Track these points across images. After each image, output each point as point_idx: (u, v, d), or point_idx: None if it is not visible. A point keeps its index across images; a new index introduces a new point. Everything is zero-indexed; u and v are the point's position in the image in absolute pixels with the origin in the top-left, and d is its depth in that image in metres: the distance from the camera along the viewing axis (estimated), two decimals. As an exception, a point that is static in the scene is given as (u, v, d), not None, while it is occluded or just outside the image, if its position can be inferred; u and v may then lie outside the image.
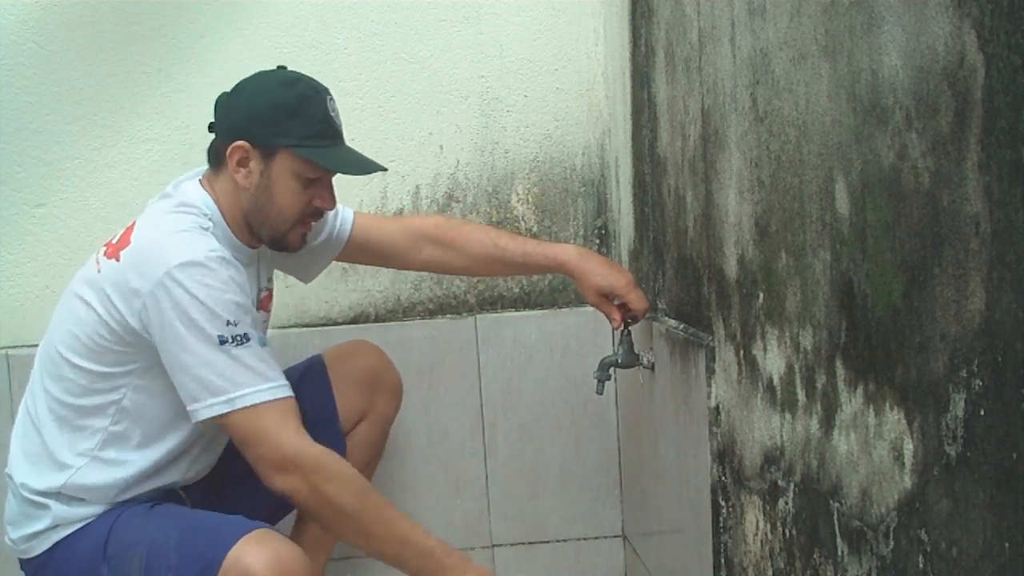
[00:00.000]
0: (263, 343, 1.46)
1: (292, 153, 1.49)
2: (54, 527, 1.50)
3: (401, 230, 1.78)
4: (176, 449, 1.53)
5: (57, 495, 1.49)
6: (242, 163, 1.50)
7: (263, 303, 1.65)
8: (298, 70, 1.58)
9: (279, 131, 1.48)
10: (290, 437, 1.41)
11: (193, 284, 1.39)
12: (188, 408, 1.42)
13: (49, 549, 1.50)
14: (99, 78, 2.06)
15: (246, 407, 1.40)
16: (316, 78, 1.56)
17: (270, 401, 1.41)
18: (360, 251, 1.78)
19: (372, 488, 1.46)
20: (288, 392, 1.44)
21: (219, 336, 1.39)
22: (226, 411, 1.40)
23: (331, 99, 1.54)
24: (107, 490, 1.50)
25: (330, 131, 1.52)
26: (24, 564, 1.55)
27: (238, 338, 1.40)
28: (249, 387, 1.40)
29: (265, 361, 1.43)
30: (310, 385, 1.77)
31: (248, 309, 1.46)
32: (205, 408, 1.41)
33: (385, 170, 1.61)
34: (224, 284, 1.41)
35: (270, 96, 1.50)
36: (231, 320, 1.40)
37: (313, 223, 1.59)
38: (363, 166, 1.57)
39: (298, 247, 1.59)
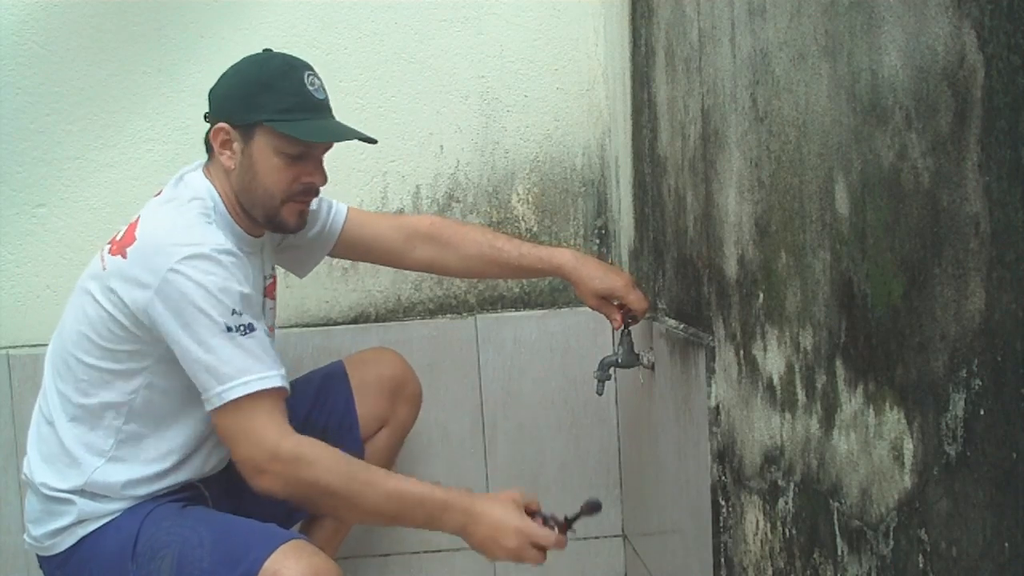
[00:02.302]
0: (266, 333, 1.46)
1: (268, 128, 1.48)
2: (80, 522, 1.50)
3: (395, 227, 1.78)
4: (189, 445, 1.54)
5: (80, 492, 1.50)
6: (225, 145, 1.51)
7: (268, 290, 1.65)
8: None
9: (253, 106, 1.48)
10: (273, 434, 1.39)
11: (200, 275, 1.39)
12: (203, 398, 1.42)
13: (74, 545, 1.50)
14: (100, 78, 2.06)
15: (247, 394, 1.38)
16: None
17: (270, 390, 1.40)
18: (353, 246, 1.78)
19: (352, 459, 1.44)
20: (285, 382, 1.43)
21: (227, 324, 1.39)
22: (229, 397, 1.38)
23: (311, 73, 1.52)
24: (128, 487, 1.50)
25: (307, 103, 1.50)
26: (44, 562, 1.55)
27: (243, 327, 1.40)
28: (254, 373, 1.39)
29: (269, 352, 1.43)
30: (331, 392, 1.78)
31: (253, 301, 1.47)
32: (215, 396, 1.40)
33: (372, 140, 1.57)
34: (230, 275, 1.41)
35: (245, 74, 1.52)
36: (236, 310, 1.40)
37: (308, 201, 1.56)
38: (340, 134, 1.54)
39: (296, 226, 1.57)
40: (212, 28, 2.07)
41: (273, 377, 1.41)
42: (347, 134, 1.54)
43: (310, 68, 1.53)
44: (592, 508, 1.49)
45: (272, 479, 1.39)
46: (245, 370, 1.39)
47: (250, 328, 1.41)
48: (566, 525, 1.47)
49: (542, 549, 1.43)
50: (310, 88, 1.50)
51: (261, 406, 1.40)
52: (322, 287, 2.08)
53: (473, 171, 2.13)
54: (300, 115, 1.49)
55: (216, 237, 1.45)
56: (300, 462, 1.39)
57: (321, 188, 1.58)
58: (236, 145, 1.50)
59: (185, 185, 1.54)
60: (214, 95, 1.54)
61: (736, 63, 1.18)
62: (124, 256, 1.45)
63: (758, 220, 1.14)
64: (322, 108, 1.53)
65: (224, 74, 1.54)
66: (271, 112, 1.47)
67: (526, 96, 2.13)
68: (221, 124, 1.50)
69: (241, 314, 1.40)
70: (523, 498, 1.46)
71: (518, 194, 2.15)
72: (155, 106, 2.07)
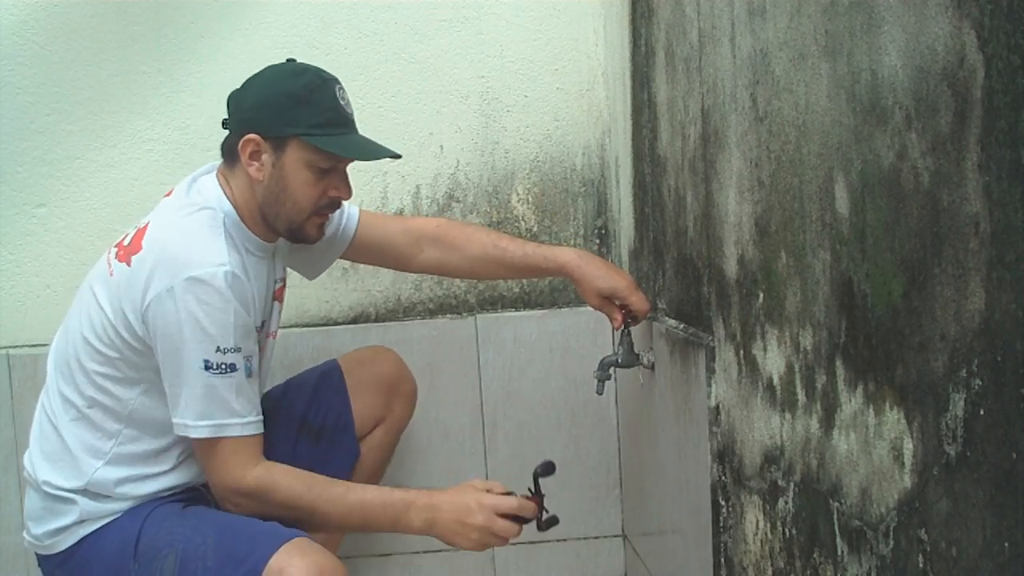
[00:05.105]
0: (249, 373, 1.46)
1: (302, 142, 1.47)
2: (81, 522, 1.50)
3: (403, 230, 1.78)
4: (188, 450, 1.54)
5: (83, 492, 1.50)
6: (254, 156, 1.49)
7: (277, 294, 1.65)
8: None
9: (288, 120, 1.47)
10: (234, 473, 1.45)
11: (194, 302, 1.40)
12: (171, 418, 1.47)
13: (74, 544, 1.50)
14: (100, 78, 2.06)
15: (206, 437, 1.44)
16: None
17: (230, 437, 1.44)
18: (363, 249, 1.78)
19: (314, 479, 1.47)
20: (254, 429, 1.46)
21: (204, 360, 1.41)
22: (189, 434, 1.45)
23: (340, 88, 1.52)
24: (129, 488, 1.51)
25: (339, 119, 1.50)
26: (43, 560, 1.55)
27: (223, 367, 1.42)
28: (215, 419, 1.43)
29: (243, 394, 1.45)
30: (327, 392, 1.79)
31: (249, 330, 1.47)
32: (174, 424, 1.46)
33: (398, 156, 1.57)
34: (226, 304, 1.41)
35: (278, 86, 1.49)
36: (222, 346, 1.41)
37: (330, 214, 1.58)
38: (373, 152, 1.56)
39: (316, 238, 1.58)
40: (212, 28, 2.07)
41: (234, 426, 1.44)
42: (379, 152, 1.55)
43: (339, 82, 1.53)
44: (546, 471, 1.48)
45: (238, 509, 1.46)
46: (207, 414, 1.43)
47: (231, 368, 1.42)
48: (534, 498, 1.47)
49: (511, 518, 1.43)
50: (341, 103, 1.51)
51: (220, 448, 1.45)
52: (322, 287, 2.08)
53: (473, 171, 2.13)
54: (334, 130, 1.49)
55: (221, 254, 1.44)
56: (260, 494, 1.45)
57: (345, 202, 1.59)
58: (266, 157, 1.49)
59: (197, 191, 1.53)
60: (241, 105, 1.51)
61: (736, 63, 1.18)
62: (129, 264, 1.45)
63: (758, 220, 1.14)
64: (352, 123, 1.54)
65: (250, 83, 1.52)
66: (306, 126, 1.47)
67: (526, 96, 2.13)
68: (251, 136, 1.48)
69: (226, 352, 1.42)
70: (483, 483, 1.47)
71: (518, 194, 2.15)
72: (155, 106, 2.07)
